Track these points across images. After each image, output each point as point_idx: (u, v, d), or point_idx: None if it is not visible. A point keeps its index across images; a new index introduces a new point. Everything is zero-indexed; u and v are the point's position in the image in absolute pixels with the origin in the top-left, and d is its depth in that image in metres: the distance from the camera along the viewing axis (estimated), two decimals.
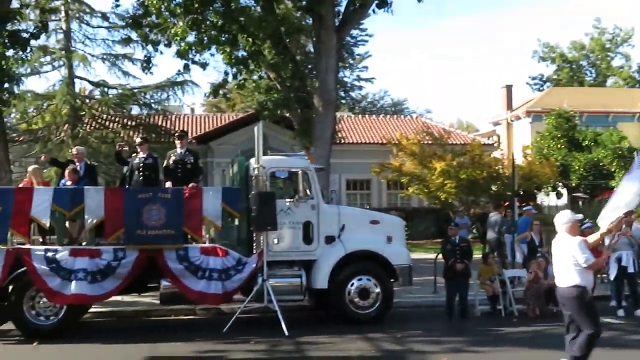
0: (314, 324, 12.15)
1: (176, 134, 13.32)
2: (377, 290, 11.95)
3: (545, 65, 60.84)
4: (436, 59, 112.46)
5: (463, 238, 13.70)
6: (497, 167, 27.75)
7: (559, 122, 35.00)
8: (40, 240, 11.81)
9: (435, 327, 11.84)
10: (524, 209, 17.58)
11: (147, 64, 20.82)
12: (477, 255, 14.57)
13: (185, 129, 27.42)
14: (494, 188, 27.50)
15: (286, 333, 10.74)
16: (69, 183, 12.18)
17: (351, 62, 52.57)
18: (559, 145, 34.28)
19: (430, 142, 28.64)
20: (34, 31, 18.44)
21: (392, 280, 12.25)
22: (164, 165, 12.58)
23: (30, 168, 13.38)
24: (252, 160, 11.99)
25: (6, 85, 17.95)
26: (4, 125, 19.37)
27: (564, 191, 34.73)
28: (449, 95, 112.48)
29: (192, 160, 12.50)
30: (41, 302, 11.12)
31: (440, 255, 13.73)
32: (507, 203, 19.99)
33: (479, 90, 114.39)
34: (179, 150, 12.51)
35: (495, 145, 38.45)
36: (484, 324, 12.11)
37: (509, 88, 46.74)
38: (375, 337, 10.70)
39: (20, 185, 12.89)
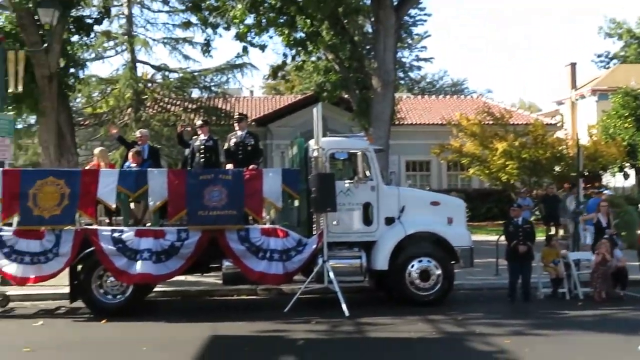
0: (374, 306, 12.14)
1: (235, 117, 13.42)
2: (438, 272, 11.85)
3: (612, 41, 58.90)
4: (497, 37, 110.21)
5: (526, 220, 13.44)
6: (560, 148, 27.12)
7: (626, 100, 33.81)
8: (107, 221, 12.14)
9: (497, 309, 11.68)
10: (601, 190, 17.11)
11: (206, 47, 21.11)
12: (540, 237, 14.28)
13: (245, 112, 27.65)
14: (557, 169, 26.93)
15: (347, 314, 10.77)
16: (133, 165, 12.45)
17: (410, 42, 51.97)
18: (626, 125, 33.17)
19: (491, 122, 28.16)
20: (97, 17, 18.89)
21: (453, 262, 12.11)
22: (225, 147, 12.75)
23: (96, 150, 13.72)
24: (312, 142, 11.98)
25: (72, 70, 18.48)
26: (70, 109, 19.92)
27: (632, 172, 33.69)
28: (510, 75, 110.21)
29: (252, 143, 12.63)
30: (108, 281, 11.43)
31: (502, 237, 13.52)
32: (569, 185, 19.54)
33: (541, 69, 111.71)
34: (239, 133, 12.64)
35: (559, 125, 37.47)
36: (548, 307, 11.86)
37: (573, 66, 45.49)
38: (436, 319, 10.62)
39: (87, 168, 13.22)
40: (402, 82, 51.02)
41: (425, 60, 55.24)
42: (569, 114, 44.21)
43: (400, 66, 49.33)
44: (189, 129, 13.71)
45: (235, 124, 12.91)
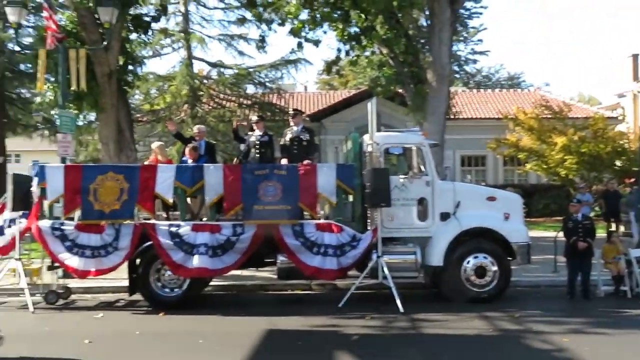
0: (429, 302, 12.06)
1: (290, 112, 13.50)
2: (494, 268, 11.70)
3: None
4: (554, 30, 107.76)
5: (586, 216, 13.15)
6: (622, 142, 26.39)
7: None
8: (164, 215, 12.36)
9: (555, 307, 11.47)
10: None
11: (261, 43, 21.21)
12: (600, 234, 13.93)
13: (299, 107, 27.76)
14: (618, 163, 26.22)
15: (401, 310, 10.73)
16: (190, 161, 12.64)
17: (465, 35, 51.25)
18: None
19: (549, 116, 27.58)
20: (155, 15, 19.15)
21: (509, 258, 11.94)
22: (281, 142, 12.83)
23: (154, 145, 13.94)
24: (366, 137, 11.96)
25: (130, 67, 18.83)
26: (129, 106, 20.31)
27: None
28: (568, 68, 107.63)
29: (307, 138, 12.68)
30: (166, 275, 11.64)
31: (560, 234, 13.24)
32: (632, 179, 19.00)
33: (601, 61, 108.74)
34: (294, 128, 12.71)
35: (620, 118, 36.44)
36: (608, 305, 11.59)
37: (635, 57, 44.13)
38: (492, 316, 10.48)
39: (146, 163, 13.46)
40: (457, 75, 50.36)
41: (481, 53, 54.34)
42: (630, 106, 42.91)
43: (456, 60, 48.67)
44: (245, 124, 13.84)
45: (290, 119, 12.99)
